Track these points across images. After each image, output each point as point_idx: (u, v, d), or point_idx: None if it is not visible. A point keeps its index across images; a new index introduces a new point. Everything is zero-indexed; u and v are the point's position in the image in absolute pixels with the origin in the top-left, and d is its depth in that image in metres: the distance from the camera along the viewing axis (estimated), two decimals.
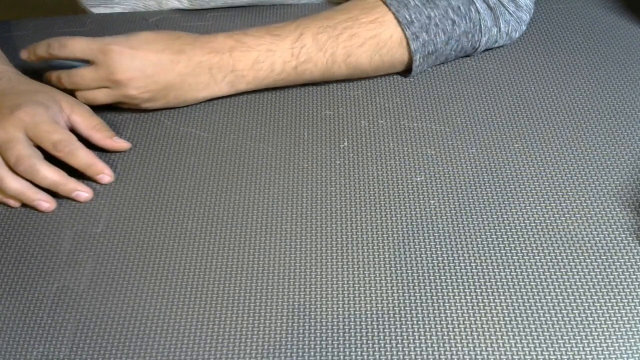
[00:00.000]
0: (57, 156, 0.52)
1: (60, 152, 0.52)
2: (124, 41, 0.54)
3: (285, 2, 0.69)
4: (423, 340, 0.43)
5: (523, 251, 0.47)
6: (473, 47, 0.60)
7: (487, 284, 0.45)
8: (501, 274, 0.46)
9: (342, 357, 0.42)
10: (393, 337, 0.43)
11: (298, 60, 0.56)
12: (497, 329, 0.43)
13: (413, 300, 0.45)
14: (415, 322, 0.44)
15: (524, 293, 0.45)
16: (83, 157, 0.52)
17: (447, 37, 0.58)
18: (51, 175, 0.51)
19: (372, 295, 0.45)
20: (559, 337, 0.42)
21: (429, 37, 0.57)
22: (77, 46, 0.54)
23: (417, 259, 0.47)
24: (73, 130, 0.54)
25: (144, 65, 0.54)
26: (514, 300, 0.44)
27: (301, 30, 0.56)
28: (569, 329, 0.43)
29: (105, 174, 0.53)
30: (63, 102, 0.55)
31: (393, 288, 0.46)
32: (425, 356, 0.42)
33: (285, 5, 0.70)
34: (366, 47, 0.57)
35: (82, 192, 0.52)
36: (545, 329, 0.43)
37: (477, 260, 0.47)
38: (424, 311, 0.44)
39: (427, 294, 0.45)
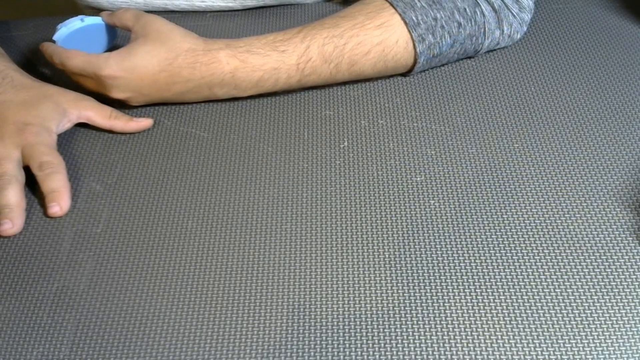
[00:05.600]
0: (37, 175, 0.51)
1: (41, 172, 0.51)
2: (119, 61, 0.53)
3: (284, 2, 0.69)
4: (423, 340, 0.43)
5: (523, 251, 0.47)
6: (475, 50, 0.60)
7: (487, 284, 0.45)
8: (501, 274, 0.46)
9: (342, 357, 0.42)
10: (393, 337, 0.43)
11: (303, 74, 0.56)
12: (497, 329, 0.43)
13: (413, 300, 0.45)
14: (415, 322, 0.44)
15: (524, 293, 0.45)
16: (55, 182, 0.51)
17: (452, 39, 0.57)
18: (6, 199, 0.49)
19: (372, 295, 0.45)
20: (559, 337, 0.42)
21: (435, 39, 0.57)
22: (71, 67, 0.55)
23: (417, 259, 0.47)
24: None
25: (139, 87, 0.55)
26: (514, 300, 0.44)
27: (307, 42, 0.55)
28: (569, 329, 0.43)
29: (59, 205, 0.51)
30: (67, 104, 0.55)
31: (393, 288, 0.45)
32: (425, 356, 0.42)
33: (285, 6, 0.70)
34: (371, 55, 0.56)
35: (8, 223, 0.49)
36: (545, 329, 0.43)
37: (477, 260, 0.47)
38: (424, 311, 0.44)
39: (427, 294, 0.45)
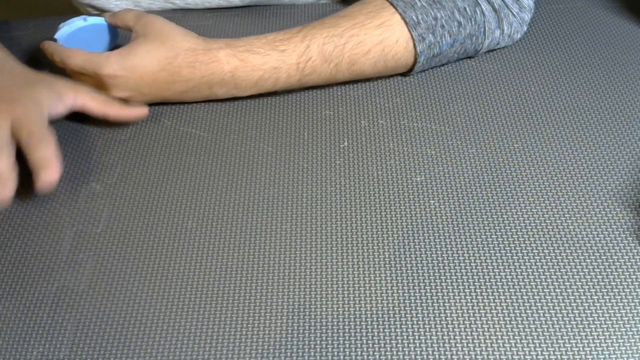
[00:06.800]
0: (25, 145, 0.49)
1: (30, 141, 0.49)
2: (119, 60, 0.53)
3: (283, 2, 0.69)
4: (423, 340, 0.43)
5: (523, 251, 0.47)
6: (475, 50, 0.60)
7: (487, 284, 0.45)
8: (501, 274, 0.46)
9: (342, 357, 0.42)
10: (393, 337, 0.43)
11: (303, 73, 0.56)
12: (497, 329, 0.43)
13: (413, 300, 0.45)
14: (415, 322, 0.44)
15: (524, 293, 0.45)
16: (44, 150, 0.49)
17: (452, 39, 0.57)
18: None
19: (372, 295, 0.45)
20: (559, 337, 0.43)
21: (435, 39, 0.57)
22: (72, 65, 0.54)
23: (417, 259, 0.47)
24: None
25: (139, 87, 0.55)
26: (514, 300, 0.45)
27: (307, 42, 0.55)
28: (569, 329, 0.43)
29: (48, 172, 0.48)
30: (63, 89, 0.55)
31: (393, 288, 0.46)
32: (425, 356, 0.42)
33: (285, 6, 0.70)
34: (372, 55, 0.56)
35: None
36: (545, 329, 0.43)
37: (477, 260, 0.47)
38: (424, 311, 0.44)
39: (427, 294, 0.45)
